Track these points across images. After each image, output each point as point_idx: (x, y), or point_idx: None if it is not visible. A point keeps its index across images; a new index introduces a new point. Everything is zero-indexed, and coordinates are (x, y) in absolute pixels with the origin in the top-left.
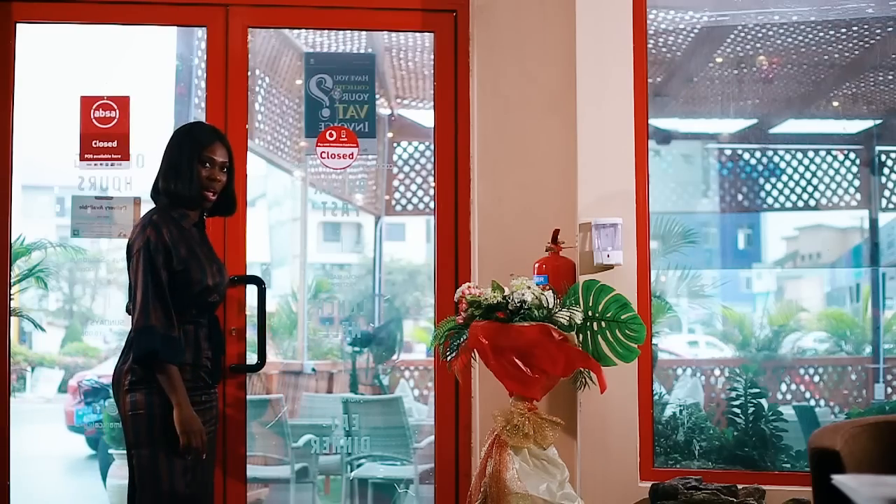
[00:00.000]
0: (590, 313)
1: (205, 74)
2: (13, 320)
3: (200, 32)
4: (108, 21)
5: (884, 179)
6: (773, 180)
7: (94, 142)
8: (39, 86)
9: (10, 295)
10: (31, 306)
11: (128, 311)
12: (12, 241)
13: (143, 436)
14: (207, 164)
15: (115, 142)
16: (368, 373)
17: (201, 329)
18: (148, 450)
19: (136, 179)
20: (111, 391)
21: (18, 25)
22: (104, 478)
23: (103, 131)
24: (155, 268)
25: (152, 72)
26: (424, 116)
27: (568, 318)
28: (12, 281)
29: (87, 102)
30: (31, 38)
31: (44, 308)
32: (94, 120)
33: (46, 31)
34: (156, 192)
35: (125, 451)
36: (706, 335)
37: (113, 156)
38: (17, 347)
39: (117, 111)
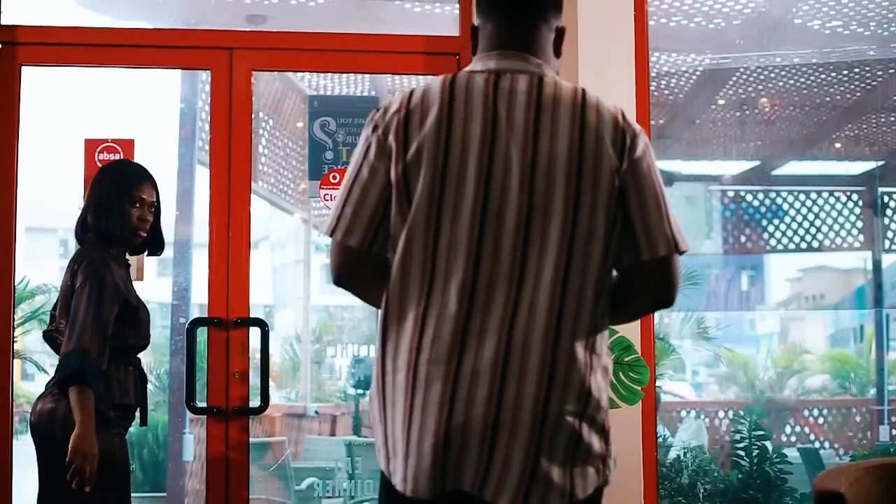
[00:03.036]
0: None
1: (209, 117)
2: (16, 362)
3: (205, 75)
4: (113, 64)
5: (887, 221)
6: (775, 222)
7: None
8: (44, 128)
9: (14, 337)
10: (34, 349)
11: (46, 336)
12: (16, 283)
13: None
14: (137, 205)
15: None
16: None
17: (137, 370)
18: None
19: None
20: (43, 431)
21: (24, 68)
22: None
23: None
24: (104, 301)
25: (157, 115)
26: None
27: None
28: (16, 323)
29: (92, 145)
30: (36, 81)
31: (46, 350)
32: (98, 163)
33: (51, 73)
34: (83, 230)
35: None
36: (710, 377)
37: None
38: (20, 389)
39: (122, 154)
